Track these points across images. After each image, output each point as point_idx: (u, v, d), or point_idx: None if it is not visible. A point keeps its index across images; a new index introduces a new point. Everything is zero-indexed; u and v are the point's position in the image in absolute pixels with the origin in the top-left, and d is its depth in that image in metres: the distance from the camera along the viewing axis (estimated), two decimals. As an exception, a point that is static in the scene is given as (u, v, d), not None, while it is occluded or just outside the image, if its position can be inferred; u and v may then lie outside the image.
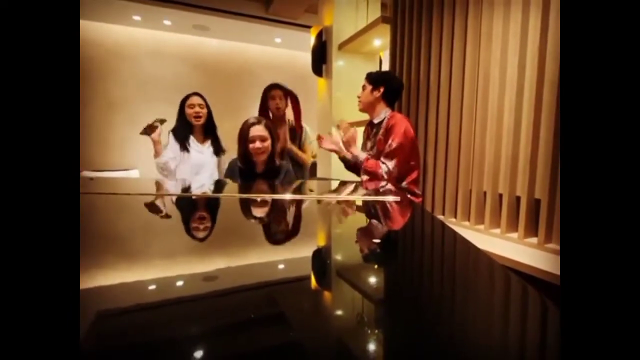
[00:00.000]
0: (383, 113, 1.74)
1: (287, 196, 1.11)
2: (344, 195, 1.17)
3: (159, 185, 1.47)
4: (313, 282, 0.44)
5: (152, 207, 0.96)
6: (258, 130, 1.66)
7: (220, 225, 0.76)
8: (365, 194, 1.17)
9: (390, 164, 1.62)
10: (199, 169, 1.99)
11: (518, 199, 1.44)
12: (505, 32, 1.45)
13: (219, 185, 1.48)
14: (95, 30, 4.07)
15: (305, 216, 0.88)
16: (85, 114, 4.08)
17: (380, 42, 2.56)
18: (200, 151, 2.00)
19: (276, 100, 2.22)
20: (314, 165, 2.57)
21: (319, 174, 2.89)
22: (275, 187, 1.42)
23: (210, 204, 1.01)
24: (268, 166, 1.72)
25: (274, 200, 1.03)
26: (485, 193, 1.59)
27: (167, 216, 0.89)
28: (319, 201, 1.05)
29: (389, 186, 1.40)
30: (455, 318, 0.34)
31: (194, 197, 1.12)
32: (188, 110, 1.96)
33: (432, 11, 1.82)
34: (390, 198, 0.97)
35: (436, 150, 1.84)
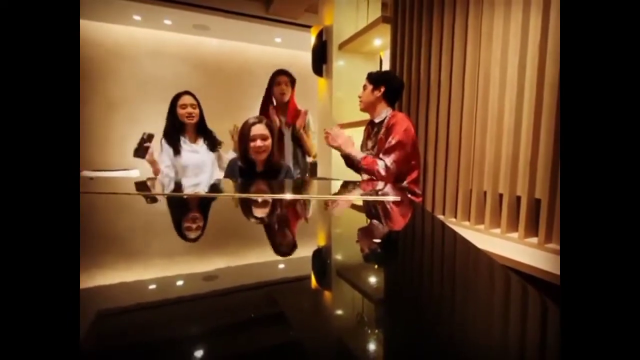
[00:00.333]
0: (384, 112, 1.74)
1: (288, 196, 1.11)
2: (344, 195, 1.17)
3: (159, 185, 1.47)
4: (313, 281, 0.44)
5: (152, 207, 0.96)
6: (259, 129, 1.66)
7: (221, 225, 0.76)
8: (365, 194, 1.17)
9: (388, 160, 1.62)
10: (197, 168, 1.98)
11: (518, 198, 1.44)
12: (505, 32, 1.45)
13: (219, 185, 1.49)
14: (96, 30, 4.07)
15: (306, 216, 0.88)
16: (86, 114, 4.08)
17: (380, 42, 2.56)
18: (195, 150, 1.98)
19: (281, 85, 2.21)
20: (314, 165, 2.56)
21: (319, 174, 2.89)
22: (275, 186, 1.42)
23: (211, 204, 1.01)
24: (268, 165, 1.72)
25: (274, 200, 1.03)
26: (485, 193, 1.59)
27: (167, 216, 0.89)
28: (319, 201, 1.05)
29: (388, 186, 1.40)
30: (455, 318, 0.34)
31: (194, 197, 1.12)
32: (180, 111, 1.93)
33: (432, 11, 1.82)
34: (390, 198, 0.97)
35: (436, 150, 1.84)
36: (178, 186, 1.40)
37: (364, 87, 1.77)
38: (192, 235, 0.66)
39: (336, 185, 1.56)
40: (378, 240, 0.64)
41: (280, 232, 0.71)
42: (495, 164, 1.51)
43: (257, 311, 0.34)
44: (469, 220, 1.68)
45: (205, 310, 0.34)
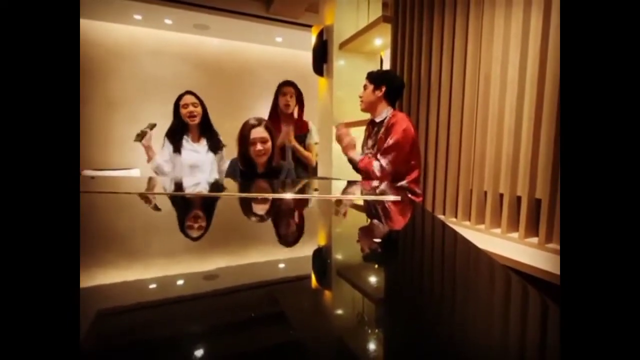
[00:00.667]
0: (385, 112, 1.74)
1: (288, 196, 1.11)
2: (344, 195, 1.17)
3: (158, 184, 1.47)
4: (313, 281, 0.44)
5: (152, 206, 0.96)
6: (258, 132, 1.65)
7: (221, 225, 0.76)
8: (366, 194, 1.17)
9: (384, 161, 1.62)
10: (195, 168, 1.99)
11: (519, 198, 1.44)
12: (506, 32, 1.45)
13: (219, 185, 1.49)
14: (96, 30, 4.07)
15: (306, 216, 0.88)
16: (86, 113, 4.08)
17: (381, 42, 2.56)
18: (195, 150, 1.99)
19: (287, 96, 2.22)
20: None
21: (319, 174, 2.89)
22: (276, 186, 1.42)
23: (211, 204, 1.01)
24: (269, 167, 1.72)
25: (274, 200, 1.03)
26: (485, 193, 1.59)
27: (168, 215, 0.89)
28: (319, 200, 1.05)
29: (389, 185, 1.40)
30: (455, 318, 0.34)
31: (194, 197, 1.12)
32: (182, 110, 1.95)
33: (433, 10, 1.82)
34: (390, 198, 0.97)
35: (437, 150, 1.84)
36: (177, 185, 1.40)
37: (365, 87, 1.77)
38: (193, 234, 0.66)
39: (336, 185, 1.56)
40: (378, 240, 0.64)
41: (280, 231, 0.71)
42: (495, 163, 1.51)
43: (257, 310, 0.34)
44: (469, 220, 1.68)
45: (206, 309, 0.34)
